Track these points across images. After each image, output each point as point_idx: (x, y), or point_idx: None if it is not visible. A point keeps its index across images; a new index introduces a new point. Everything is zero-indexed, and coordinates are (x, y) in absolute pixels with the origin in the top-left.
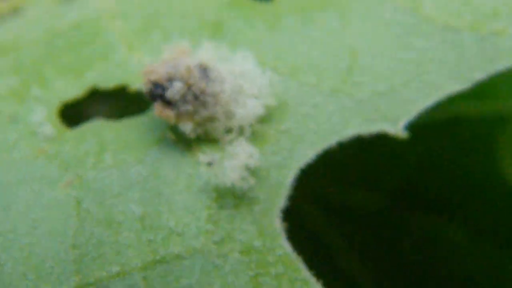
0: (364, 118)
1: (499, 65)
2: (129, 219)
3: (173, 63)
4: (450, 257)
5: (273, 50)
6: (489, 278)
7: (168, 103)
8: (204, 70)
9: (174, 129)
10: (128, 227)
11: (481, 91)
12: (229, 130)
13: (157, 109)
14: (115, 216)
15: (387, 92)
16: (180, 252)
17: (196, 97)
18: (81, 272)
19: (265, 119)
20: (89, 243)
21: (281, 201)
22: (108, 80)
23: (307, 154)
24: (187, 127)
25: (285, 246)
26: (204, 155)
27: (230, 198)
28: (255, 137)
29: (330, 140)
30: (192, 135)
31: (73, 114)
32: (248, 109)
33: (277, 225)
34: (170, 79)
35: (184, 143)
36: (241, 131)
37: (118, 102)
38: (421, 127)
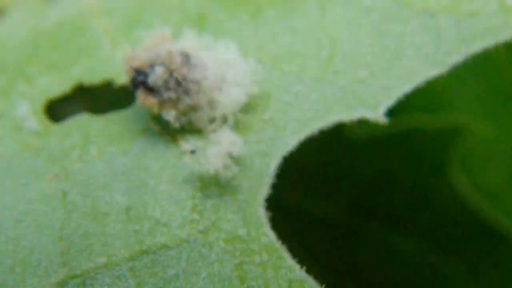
0: (345, 105)
1: (476, 47)
2: (115, 210)
3: (155, 49)
4: (401, 266)
5: (255, 40)
6: (437, 285)
7: (151, 90)
8: (186, 56)
9: (158, 120)
10: (114, 218)
11: (437, 103)
12: (212, 120)
13: (140, 96)
14: (101, 207)
15: (367, 78)
16: (166, 242)
17: (178, 84)
18: (68, 264)
19: (248, 108)
20: (75, 235)
21: (265, 190)
22: (93, 76)
23: (290, 142)
24: (170, 116)
25: (269, 235)
26: (187, 143)
27: (215, 187)
28: (238, 126)
29: (312, 128)
30: (176, 124)
31: (58, 109)
32: (231, 97)
33: (261, 213)
34: (152, 65)
35: (168, 134)
36: (224, 119)
37: (103, 98)
38: (378, 139)
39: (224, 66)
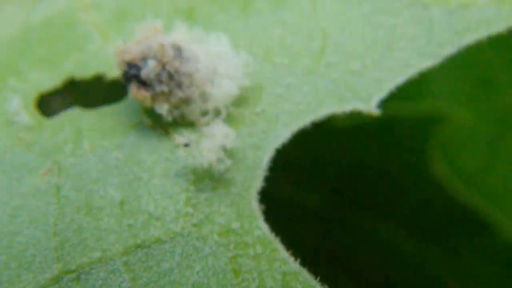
0: (337, 97)
1: (468, 38)
2: (109, 205)
3: (146, 42)
4: (384, 254)
5: (247, 33)
6: (419, 272)
7: (143, 83)
8: (177, 49)
9: (150, 114)
10: (108, 212)
11: (416, 91)
12: (205, 113)
13: (133, 90)
14: (95, 201)
15: (359, 71)
16: (160, 236)
17: (171, 77)
18: (63, 259)
19: (240, 101)
20: (69, 230)
21: (258, 183)
22: (84, 70)
23: (282, 134)
24: (163, 109)
25: (263, 228)
26: (180, 136)
27: (208, 180)
28: (230, 120)
29: (304, 120)
30: (169, 118)
31: (50, 104)
32: (223, 89)
33: (254, 207)
34: (144, 58)
35: (161, 127)
36: (216, 112)
37: (95, 92)
38: (358, 128)
39: (215, 59)
